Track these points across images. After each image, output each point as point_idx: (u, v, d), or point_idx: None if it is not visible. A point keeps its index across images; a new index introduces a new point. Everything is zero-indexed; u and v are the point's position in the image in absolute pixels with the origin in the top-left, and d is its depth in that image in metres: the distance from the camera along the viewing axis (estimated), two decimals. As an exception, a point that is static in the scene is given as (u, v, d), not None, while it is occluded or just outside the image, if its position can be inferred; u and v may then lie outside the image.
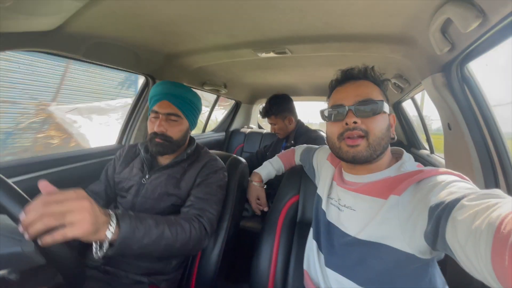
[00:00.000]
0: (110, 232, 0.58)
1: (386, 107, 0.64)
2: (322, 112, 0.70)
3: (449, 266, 0.88)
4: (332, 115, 0.66)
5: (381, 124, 0.62)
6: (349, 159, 0.63)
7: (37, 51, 0.94)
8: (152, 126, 0.93)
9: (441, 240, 0.41)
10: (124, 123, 1.49)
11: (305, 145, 1.11)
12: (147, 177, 0.96)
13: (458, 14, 0.58)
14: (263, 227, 0.98)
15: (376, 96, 0.63)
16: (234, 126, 2.81)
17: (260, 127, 3.28)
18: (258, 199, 1.10)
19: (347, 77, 0.69)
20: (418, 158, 1.76)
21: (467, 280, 0.78)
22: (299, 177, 1.02)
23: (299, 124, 1.74)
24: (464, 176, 0.51)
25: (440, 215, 0.42)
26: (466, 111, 0.86)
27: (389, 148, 0.67)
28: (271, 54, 1.25)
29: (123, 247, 0.62)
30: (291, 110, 1.73)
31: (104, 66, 1.21)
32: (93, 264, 0.89)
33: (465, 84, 0.86)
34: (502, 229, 0.31)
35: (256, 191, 1.10)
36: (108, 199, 1.04)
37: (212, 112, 2.59)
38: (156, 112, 0.93)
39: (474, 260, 0.34)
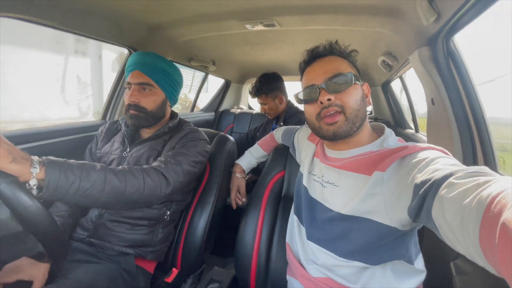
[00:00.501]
0: (35, 169, 0.56)
1: (357, 78, 0.63)
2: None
3: (425, 235, 0.92)
4: (305, 97, 0.66)
5: (355, 96, 0.62)
6: (330, 137, 0.63)
7: (8, 17, 0.88)
8: (127, 98, 0.91)
9: (426, 215, 0.42)
10: (108, 98, 1.44)
11: (284, 126, 1.11)
12: (128, 150, 0.95)
13: None
14: (249, 201, 0.99)
15: (345, 69, 0.63)
16: (224, 106, 2.76)
17: (250, 107, 3.25)
18: (238, 190, 1.12)
19: (313, 56, 0.68)
20: (404, 137, 1.80)
21: (442, 249, 0.82)
22: (285, 153, 1.03)
23: (290, 104, 1.71)
24: (446, 151, 0.52)
25: (426, 192, 0.42)
26: (449, 85, 0.87)
27: (368, 120, 0.67)
28: (259, 27, 1.21)
29: (56, 188, 0.58)
30: (282, 89, 1.68)
31: (83, 35, 1.15)
32: (78, 237, 0.89)
33: (450, 58, 0.86)
34: (492, 208, 0.31)
35: (237, 181, 1.11)
36: None
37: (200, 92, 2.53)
38: (130, 83, 0.92)
39: (461, 237, 0.35)
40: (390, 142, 0.62)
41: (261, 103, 1.72)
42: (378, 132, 0.69)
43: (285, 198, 0.98)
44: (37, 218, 0.53)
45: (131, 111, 0.91)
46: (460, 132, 0.85)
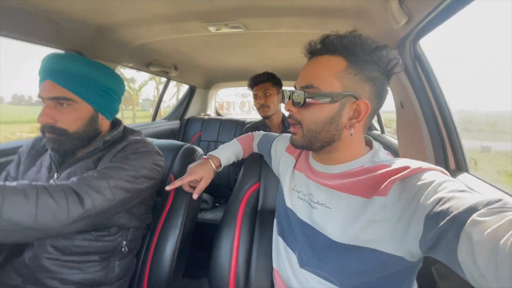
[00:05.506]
0: None
1: (334, 96, 0.52)
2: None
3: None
4: (282, 98, 0.62)
5: (316, 117, 0.54)
6: (292, 145, 0.62)
7: None
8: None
9: (446, 254, 0.38)
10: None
11: (262, 132, 1.02)
12: (55, 176, 0.75)
13: None
14: (223, 219, 0.90)
15: (323, 82, 0.53)
16: (190, 113, 2.62)
17: (218, 114, 3.14)
18: (198, 180, 0.86)
19: (311, 51, 0.57)
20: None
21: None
22: (259, 164, 0.96)
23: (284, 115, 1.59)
24: (445, 171, 0.49)
25: (446, 229, 0.38)
26: (418, 88, 0.88)
27: (356, 137, 0.58)
28: (224, 30, 1.13)
29: None
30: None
31: (13, 38, 0.96)
32: (11, 284, 0.72)
33: (417, 61, 0.87)
34: None
35: (206, 172, 0.86)
36: None
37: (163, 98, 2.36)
38: (42, 97, 0.71)
39: (494, 282, 0.32)
40: (381, 156, 0.57)
41: (262, 92, 1.52)
42: (366, 143, 0.63)
43: (261, 212, 0.90)
44: None
45: (47, 134, 0.70)
46: (430, 134, 0.86)
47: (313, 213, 0.60)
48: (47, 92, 0.69)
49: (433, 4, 0.60)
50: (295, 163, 0.72)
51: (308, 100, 0.54)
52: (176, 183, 0.81)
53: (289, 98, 0.58)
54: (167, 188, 0.81)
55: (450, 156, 0.83)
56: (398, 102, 0.99)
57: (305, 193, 0.64)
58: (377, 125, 1.95)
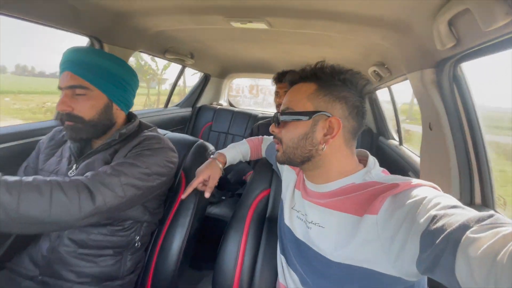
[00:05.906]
0: None
1: (306, 114, 0.57)
2: None
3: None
4: None
5: (292, 133, 0.59)
6: None
7: None
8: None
9: (443, 273, 0.38)
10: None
11: (271, 137, 0.99)
12: (74, 167, 0.77)
13: (483, 6, 0.46)
14: (230, 223, 0.89)
15: (297, 103, 0.59)
16: (202, 101, 2.57)
17: (231, 104, 3.08)
18: (207, 180, 0.89)
19: (291, 82, 0.65)
20: (387, 148, 1.78)
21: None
22: (270, 170, 0.93)
23: None
24: (437, 186, 0.49)
25: (442, 248, 0.37)
26: (451, 112, 0.81)
27: (337, 153, 0.58)
28: (247, 25, 1.06)
29: None
30: None
31: (32, 22, 0.92)
32: (27, 274, 0.73)
33: (455, 83, 0.79)
34: None
35: (213, 170, 0.90)
36: None
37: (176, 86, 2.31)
38: (60, 88, 0.74)
39: None
40: (373, 174, 0.57)
41: (284, 92, 1.43)
42: (361, 159, 0.63)
43: (269, 220, 0.89)
44: None
45: (66, 122, 0.74)
46: (458, 163, 0.80)
47: (309, 232, 0.61)
48: (64, 82, 0.73)
49: (495, 34, 0.52)
50: (296, 181, 0.72)
51: (282, 119, 0.59)
52: (188, 190, 0.86)
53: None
54: (183, 197, 0.87)
55: (477, 190, 0.78)
56: (426, 123, 0.93)
57: (303, 213, 0.64)
58: (395, 136, 1.87)
